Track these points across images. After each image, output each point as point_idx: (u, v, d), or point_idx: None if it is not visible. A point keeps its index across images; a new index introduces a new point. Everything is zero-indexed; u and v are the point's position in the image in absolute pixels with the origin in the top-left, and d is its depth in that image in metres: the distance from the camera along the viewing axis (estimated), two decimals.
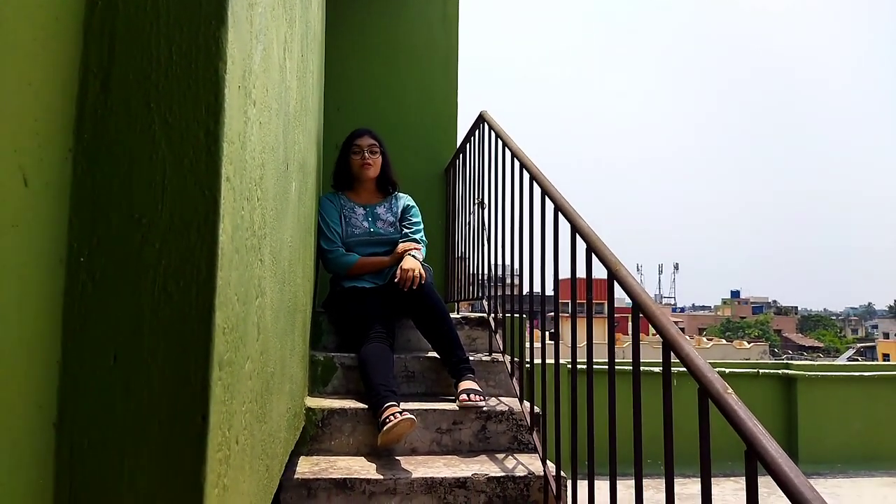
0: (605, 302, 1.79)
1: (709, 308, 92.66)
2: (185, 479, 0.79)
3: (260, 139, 1.12)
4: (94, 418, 0.78)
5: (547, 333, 2.45)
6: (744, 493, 1.15)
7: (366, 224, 2.98)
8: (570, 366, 2.09)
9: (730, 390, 1.23)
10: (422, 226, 3.08)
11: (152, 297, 0.81)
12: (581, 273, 1.95)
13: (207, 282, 0.82)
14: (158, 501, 0.79)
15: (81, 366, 0.79)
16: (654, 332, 1.52)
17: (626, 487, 2.13)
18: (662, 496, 1.38)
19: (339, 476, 2.07)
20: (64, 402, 0.78)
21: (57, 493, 0.77)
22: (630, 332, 1.67)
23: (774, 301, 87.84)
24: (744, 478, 1.15)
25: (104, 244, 0.80)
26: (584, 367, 1.84)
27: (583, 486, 1.84)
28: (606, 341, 1.78)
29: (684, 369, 1.34)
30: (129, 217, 0.81)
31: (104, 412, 0.79)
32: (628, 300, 1.61)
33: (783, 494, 1.01)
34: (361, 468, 2.16)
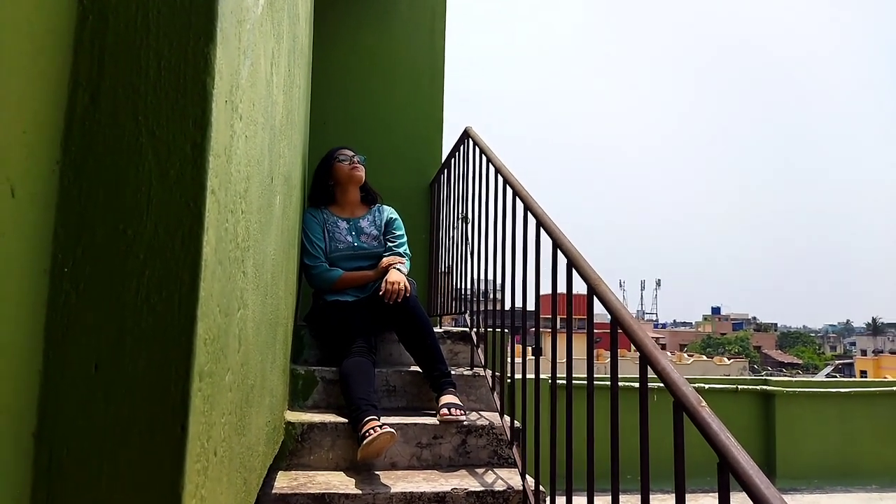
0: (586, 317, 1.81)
1: (690, 324, 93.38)
2: (163, 490, 0.80)
3: (245, 152, 1.13)
4: (73, 428, 0.79)
5: (529, 349, 2.47)
6: None
7: (349, 238, 2.98)
8: (550, 381, 2.11)
9: (703, 404, 1.25)
10: (405, 239, 3.10)
11: (135, 308, 0.81)
12: (562, 288, 1.97)
13: (190, 293, 0.83)
14: None
15: (62, 375, 0.79)
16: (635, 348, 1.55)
17: (604, 502, 2.14)
18: None
19: (318, 491, 2.06)
20: (44, 411, 0.78)
21: (34, 500, 0.77)
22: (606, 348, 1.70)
23: (754, 318, 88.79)
24: (703, 494, 1.17)
25: (89, 255, 0.81)
26: (575, 382, 1.86)
27: (562, 500, 1.85)
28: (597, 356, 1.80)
29: (664, 385, 1.36)
30: (115, 228, 0.82)
31: (84, 422, 0.79)
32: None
33: None
34: (340, 483, 2.16)
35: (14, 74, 0.70)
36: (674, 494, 1.29)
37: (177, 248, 0.83)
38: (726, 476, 1.14)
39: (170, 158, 0.84)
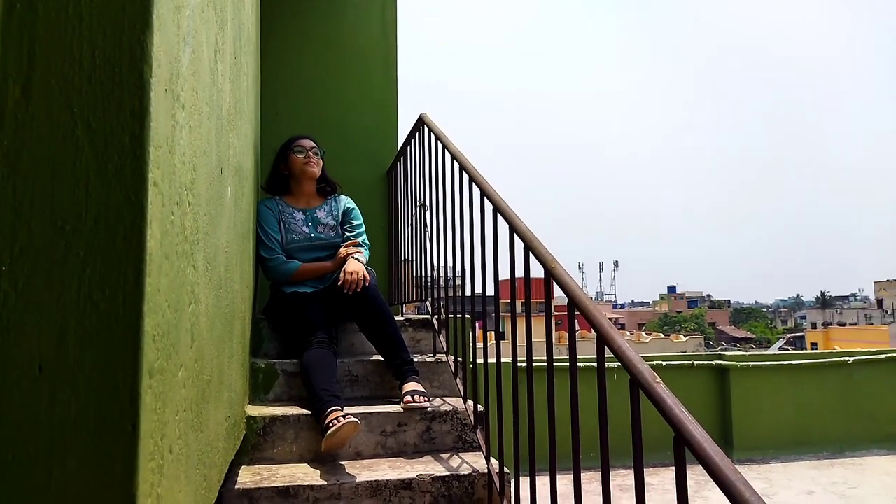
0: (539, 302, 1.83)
1: (647, 304, 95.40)
2: (116, 490, 0.78)
3: (190, 143, 1.11)
4: (18, 430, 0.76)
5: (490, 334, 2.49)
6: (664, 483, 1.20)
7: (306, 229, 2.95)
8: (512, 364, 2.13)
9: (658, 380, 1.28)
10: (364, 228, 3.07)
11: (77, 307, 0.79)
12: (520, 273, 1.99)
13: (135, 289, 0.80)
14: None
15: (4, 378, 0.76)
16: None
17: (568, 481, 2.18)
18: (594, 486, 1.42)
19: (283, 484, 2.04)
20: None
21: None
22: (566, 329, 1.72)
23: (709, 295, 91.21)
24: (662, 469, 1.20)
25: (27, 253, 0.78)
26: (525, 364, 1.88)
27: (525, 481, 1.87)
28: (557, 338, 1.82)
29: (620, 364, 1.38)
30: (52, 225, 0.79)
31: (29, 424, 0.77)
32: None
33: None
34: (305, 475, 2.14)
35: None
36: (623, 471, 1.31)
37: (119, 244, 0.80)
38: (682, 449, 1.17)
39: (107, 151, 0.81)
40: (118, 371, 0.79)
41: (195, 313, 1.17)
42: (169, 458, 0.94)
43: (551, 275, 1.75)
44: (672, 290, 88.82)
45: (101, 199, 0.80)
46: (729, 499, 1.03)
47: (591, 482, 2.33)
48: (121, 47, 0.83)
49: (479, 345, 2.38)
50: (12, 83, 0.80)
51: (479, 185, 2.30)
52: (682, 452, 1.18)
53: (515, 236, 1.99)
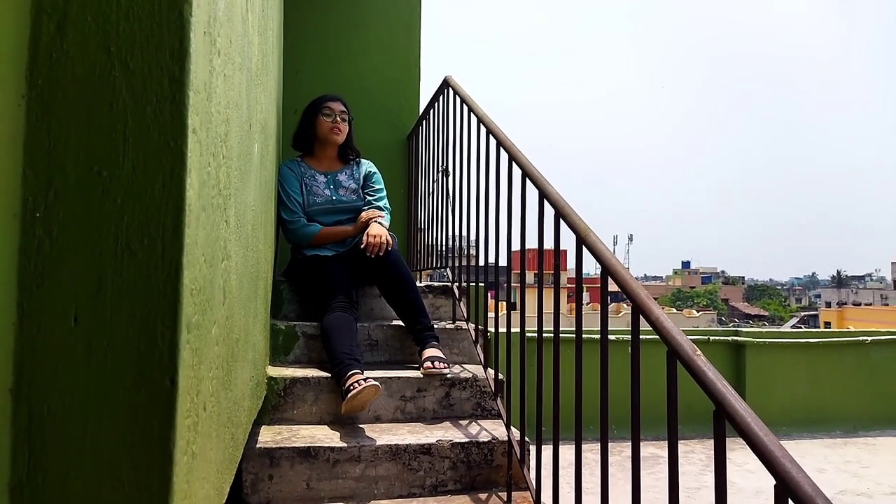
0: (565, 273, 1.79)
1: (660, 278, 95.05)
2: (153, 446, 0.76)
3: (224, 92, 1.06)
4: (53, 383, 0.74)
5: (510, 303, 2.45)
6: (693, 455, 1.17)
7: (327, 192, 2.91)
8: (534, 334, 2.10)
9: (699, 352, 1.25)
10: (385, 192, 3.03)
11: (115, 256, 0.76)
12: (548, 241, 1.94)
13: (174, 240, 0.77)
14: (124, 469, 0.75)
15: (39, 328, 0.74)
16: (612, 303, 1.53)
17: (588, 451, 2.16)
18: (619, 458, 1.40)
19: (303, 444, 2.04)
20: (20, 366, 0.73)
21: (14, 460, 0.72)
22: (599, 300, 1.68)
23: (723, 271, 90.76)
24: (691, 441, 1.17)
25: (62, 198, 0.75)
26: (551, 335, 1.85)
27: (548, 450, 1.85)
28: (569, 310, 1.78)
29: (649, 338, 1.35)
30: (88, 169, 0.76)
31: (65, 376, 0.74)
32: (591, 272, 1.61)
33: (742, 455, 1.04)
34: (325, 436, 2.14)
35: None
36: (652, 442, 1.29)
37: (157, 192, 0.77)
38: (722, 423, 1.14)
39: (146, 93, 0.77)
40: (157, 324, 0.76)
41: (227, 270, 1.14)
42: (203, 415, 0.92)
43: (584, 242, 1.70)
44: (686, 265, 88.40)
45: (139, 143, 0.76)
46: (774, 476, 1.00)
47: (611, 454, 2.31)
48: None
49: (502, 313, 2.35)
50: (47, 18, 0.75)
51: (506, 150, 2.24)
52: (722, 426, 1.15)
53: (545, 202, 1.93)
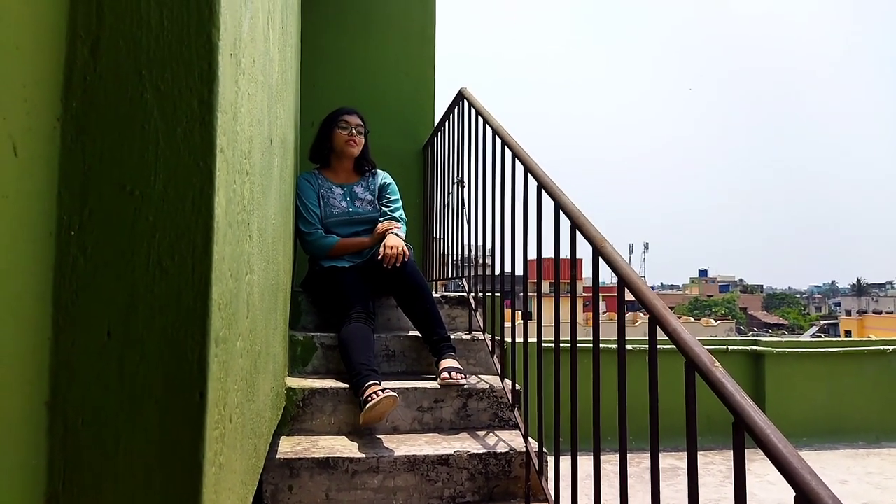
0: (580, 282, 1.79)
1: (677, 287, 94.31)
2: (184, 458, 0.78)
3: (249, 111, 1.09)
4: (87, 396, 0.76)
5: (525, 313, 2.46)
6: (713, 466, 1.17)
7: (344, 204, 2.94)
8: (552, 344, 2.10)
9: (717, 364, 1.25)
10: (400, 203, 3.06)
11: (147, 272, 0.78)
12: (564, 251, 1.95)
13: (204, 256, 0.79)
14: (156, 480, 0.77)
15: (74, 343, 0.76)
16: (622, 313, 1.54)
17: (606, 462, 2.16)
18: (637, 470, 1.40)
19: (322, 455, 2.06)
20: (56, 380, 0.75)
21: (50, 472, 0.75)
22: (615, 311, 1.68)
23: (741, 280, 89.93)
24: (710, 453, 1.17)
25: (96, 217, 0.77)
26: (567, 345, 1.86)
27: (565, 462, 1.85)
28: (585, 319, 1.79)
29: (666, 348, 1.35)
30: (121, 189, 0.78)
31: (98, 390, 0.76)
32: (607, 282, 1.62)
33: (761, 469, 1.04)
34: (343, 447, 2.16)
35: (12, 25, 0.65)
36: (671, 454, 1.29)
37: (188, 210, 0.79)
38: (741, 434, 1.14)
39: (176, 114, 0.80)
40: (187, 339, 0.78)
41: (250, 283, 1.16)
42: (229, 426, 0.94)
43: (601, 254, 1.71)
44: (703, 273, 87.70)
45: (171, 163, 0.79)
46: (794, 488, 1.00)
47: (630, 465, 2.30)
48: (188, 8, 0.81)
49: (518, 323, 2.35)
50: (81, 43, 0.78)
51: (522, 161, 2.26)
52: (741, 438, 1.15)
53: (561, 213, 1.95)
